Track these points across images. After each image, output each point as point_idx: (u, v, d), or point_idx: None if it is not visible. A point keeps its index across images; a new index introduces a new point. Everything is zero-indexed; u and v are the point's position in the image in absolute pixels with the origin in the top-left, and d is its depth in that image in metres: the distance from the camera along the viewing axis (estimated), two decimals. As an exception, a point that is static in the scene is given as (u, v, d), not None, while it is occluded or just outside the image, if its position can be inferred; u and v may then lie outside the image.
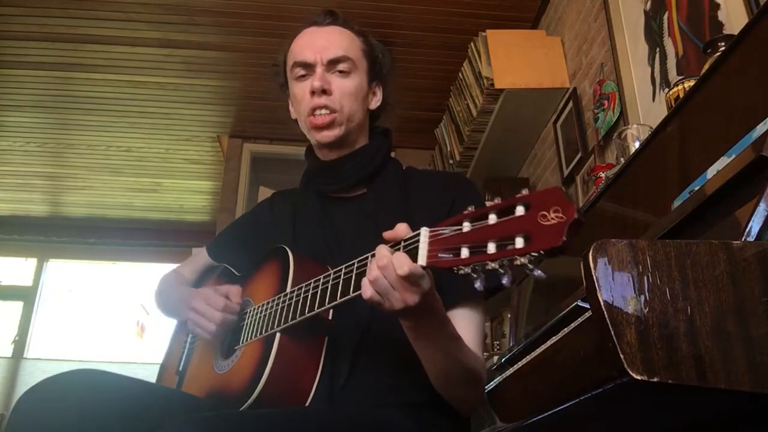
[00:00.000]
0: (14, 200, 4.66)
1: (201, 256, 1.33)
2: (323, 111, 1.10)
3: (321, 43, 1.12)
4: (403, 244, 0.79)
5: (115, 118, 3.72)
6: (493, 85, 2.60)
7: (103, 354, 4.68)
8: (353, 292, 0.86)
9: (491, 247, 0.66)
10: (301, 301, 0.96)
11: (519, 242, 0.63)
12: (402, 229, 0.80)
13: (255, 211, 1.32)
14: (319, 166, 1.17)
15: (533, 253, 0.62)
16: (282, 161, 4.03)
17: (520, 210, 0.65)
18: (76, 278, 5.12)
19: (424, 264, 0.74)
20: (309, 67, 1.12)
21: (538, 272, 0.64)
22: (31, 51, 3.16)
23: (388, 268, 0.76)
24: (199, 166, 4.26)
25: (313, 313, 0.92)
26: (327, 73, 1.11)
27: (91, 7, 2.89)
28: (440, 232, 0.73)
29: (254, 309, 1.09)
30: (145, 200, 4.67)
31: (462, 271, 0.69)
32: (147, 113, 3.69)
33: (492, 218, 0.68)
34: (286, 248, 1.07)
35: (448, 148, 3.25)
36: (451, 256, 0.70)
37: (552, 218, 0.62)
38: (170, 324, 1.35)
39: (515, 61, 2.64)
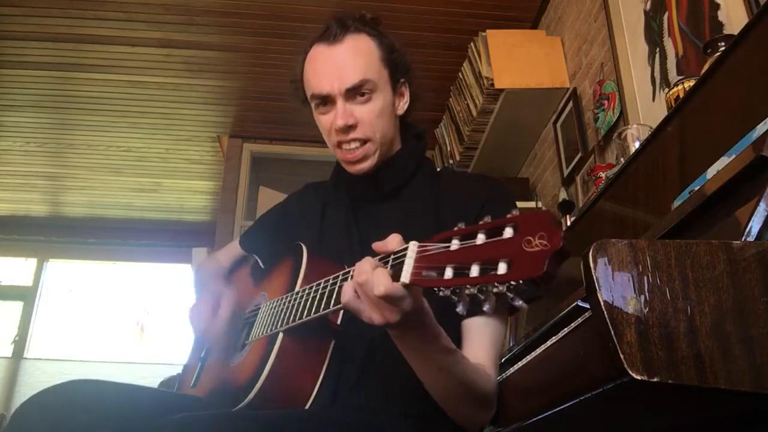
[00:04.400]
0: (14, 200, 4.66)
1: (236, 245, 1.35)
2: (353, 145, 1.05)
3: (334, 70, 1.03)
4: (392, 257, 0.74)
5: (115, 118, 3.72)
6: (493, 85, 2.60)
7: (104, 354, 4.68)
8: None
9: (474, 270, 0.61)
10: (305, 302, 0.94)
11: (502, 268, 0.58)
12: (393, 241, 0.75)
13: (285, 203, 1.31)
14: (351, 175, 1.11)
15: (512, 282, 0.57)
16: (282, 161, 4.03)
17: (508, 232, 0.59)
18: (76, 278, 5.12)
19: (407, 281, 0.69)
20: (328, 99, 1.05)
21: (519, 302, 0.58)
22: (31, 51, 3.17)
23: (366, 285, 0.73)
24: (199, 166, 4.26)
25: (310, 317, 0.90)
26: (347, 103, 1.03)
27: (91, 7, 2.89)
28: (428, 248, 0.68)
29: (266, 305, 1.09)
30: (145, 200, 4.67)
31: (442, 293, 0.64)
32: (147, 113, 3.69)
33: (480, 238, 0.62)
34: (303, 246, 1.05)
35: (448, 148, 3.25)
36: (435, 274, 0.66)
37: (536, 245, 0.56)
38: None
39: (515, 61, 2.64)
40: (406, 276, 0.69)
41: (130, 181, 4.41)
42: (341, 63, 1.04)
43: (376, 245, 0.76)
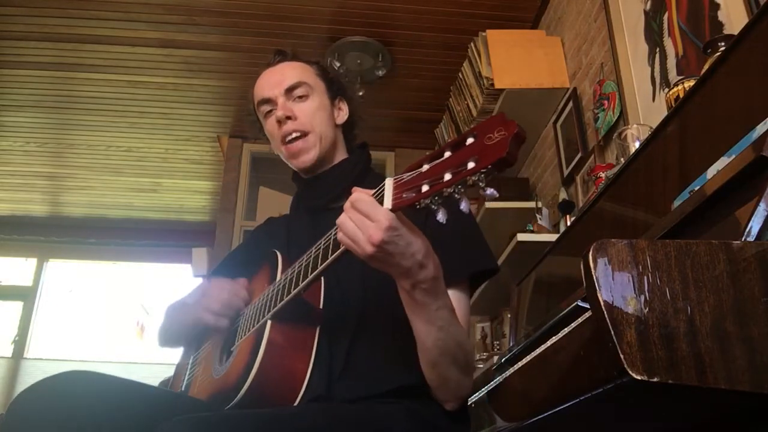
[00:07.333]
0: (14, 200, 4.66)
1: (205, 284, 1.35)
2: (293, 135, 1.19)
3: (276, 78, 1.23)
4: (373, 195, 0.82)
5: (115, 118, 3.72)
6: (493, 85, 2.60)
7: (103, 354, 4.68)
8: (332, 253, 0.88)
9: (447, 176, 0.70)
10: (290, 281, 0.98)
11: (470, 165, 0.68)
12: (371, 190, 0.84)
13: (250, 235, 1.39)
14: (305, 185, 1.26)
15: (482, 170, 0.66)
16: (282, 161, 4.02)
17: (470, 140, 0.70)
18: (76, 278, 5.12)
19: (389, 207, 0.77)
20: (271, 102, 1.22)
21: (490, 191, 0.68)
22: (31, 51, 3.17)
23: (347, 204, 0.81)
24: (199, 166, 4.26)
25: (300, 287, 0.94)
26: (288, 102, 1.20)
27: (91, 7, 2.89)
28: (403, 177, 0.77)
29: (248, 308, 1.10)
30: (145, 200, 4.67)
31: (422, 205, 0.73)
32: (147, 113, 3.69)
33: (447, 154, 0.72)
34: (276, 251, 1.12)
35: (448, 148, 3.25)
36: (413, 194, 0.74)
37: (496, 137, 0.66)
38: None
39: (515, 61, 2.64)
40: (388, 203, 0.78)
41: (130, 181, 4.41)
42: (281, 72, 1.24)
43: (356, 189, 0.84)
